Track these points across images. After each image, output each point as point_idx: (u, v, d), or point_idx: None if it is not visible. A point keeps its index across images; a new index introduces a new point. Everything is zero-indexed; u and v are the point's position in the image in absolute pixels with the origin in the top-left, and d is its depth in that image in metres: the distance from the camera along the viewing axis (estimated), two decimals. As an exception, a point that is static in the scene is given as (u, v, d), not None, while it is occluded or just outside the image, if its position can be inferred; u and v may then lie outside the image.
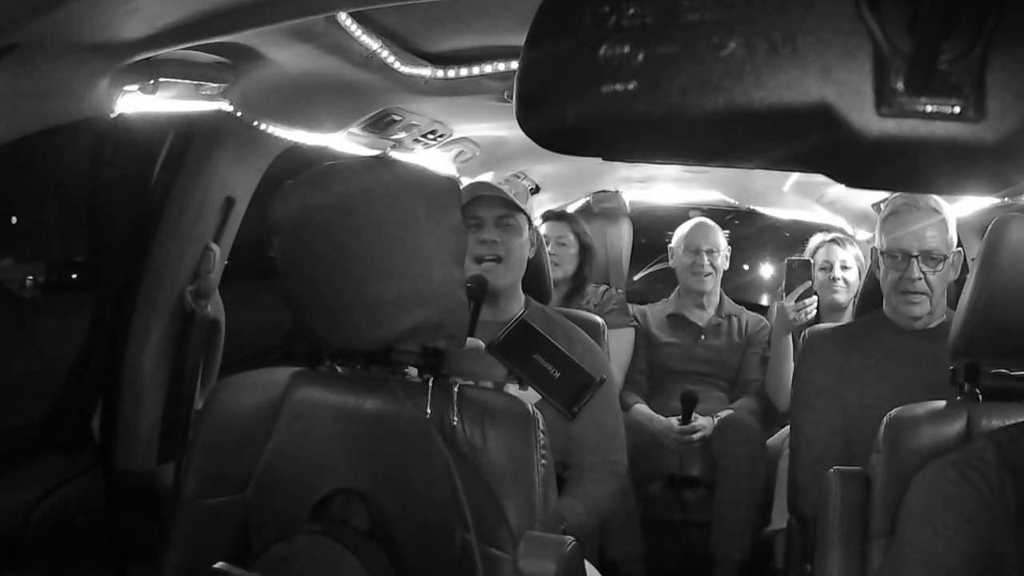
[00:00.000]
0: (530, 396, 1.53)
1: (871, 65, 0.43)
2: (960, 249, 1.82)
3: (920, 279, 1.76)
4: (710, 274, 2.92)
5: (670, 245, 3.04)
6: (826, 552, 1.41)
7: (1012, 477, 1.06)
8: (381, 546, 1.10)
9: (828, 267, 2.78)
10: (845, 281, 2.76)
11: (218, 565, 1.04)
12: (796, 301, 2.43)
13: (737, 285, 4.35)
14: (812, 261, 2.64)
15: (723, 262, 2.97)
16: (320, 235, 1.12)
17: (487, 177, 1.90)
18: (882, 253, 1.82)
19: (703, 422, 2.63)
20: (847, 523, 1.38)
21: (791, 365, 2.43)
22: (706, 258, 2.91)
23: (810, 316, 2.43)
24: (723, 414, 2.68)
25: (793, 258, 2.56)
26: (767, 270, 5.35)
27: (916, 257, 1.76)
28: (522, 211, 1.85)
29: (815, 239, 2.91)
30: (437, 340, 1.17)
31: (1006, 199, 2.05)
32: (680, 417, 2.64)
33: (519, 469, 1.13)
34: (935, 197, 1.80)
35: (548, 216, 3.01)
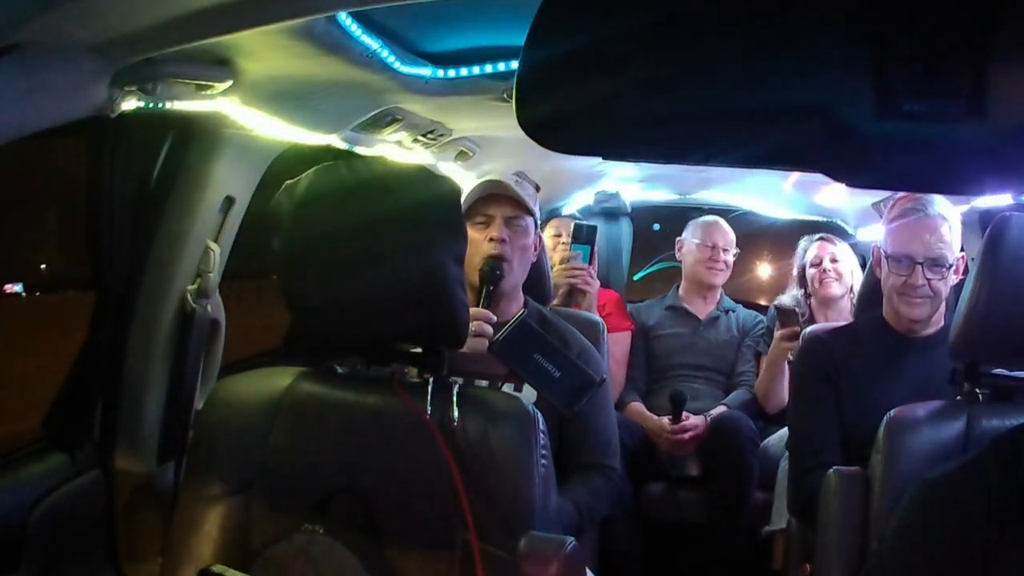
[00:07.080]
0: (528, 395, 1.53)
1: (871, 65, 0.43)
2: (963, 253, 1.80)
3: (923, 285, 1.74)
4: (723, 270, 3.02)
5: (678, 239, 3.08)
6: (826, 552, 1.41)
7: (1013, 486, 1.06)
8: (381, 546, 1.10)
9: (818, 262, 2.84)
10: (837, 272, 2.81)
11: (213, 567, 1.04)
12: (788, 341, 2.56)
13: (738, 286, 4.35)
14: (797, 311, 2.73)
15: (731, 261, 3.05)
16: (320, 234, 1.12)
17: (498, 176, 1.89)
18: (887, 256, 1.79)
19: (695, 421, 2.64)
20: (847, 523, 1.38)
21: (783, 384, 2.63)
22: (722, 254, 3.00)
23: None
24: (715, 412, 2.69)
25: (781, 305, 2.75)
26: (765, 270, 5.35)
27: (921, 264, 1.73)
28: (531, 213, 1.84)
29: (802, 243, 2.97)
30: (437, 340, 1.17)
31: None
32: (671, 416, 2.65)
33: (519, 469, 1.13)
34: (943, 201, 1.78)
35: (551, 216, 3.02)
